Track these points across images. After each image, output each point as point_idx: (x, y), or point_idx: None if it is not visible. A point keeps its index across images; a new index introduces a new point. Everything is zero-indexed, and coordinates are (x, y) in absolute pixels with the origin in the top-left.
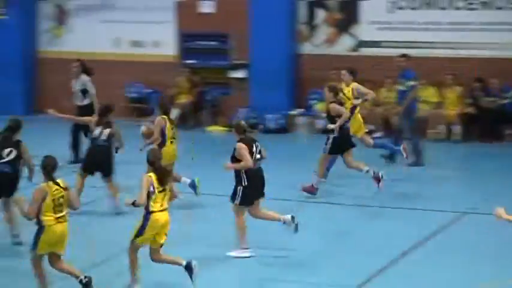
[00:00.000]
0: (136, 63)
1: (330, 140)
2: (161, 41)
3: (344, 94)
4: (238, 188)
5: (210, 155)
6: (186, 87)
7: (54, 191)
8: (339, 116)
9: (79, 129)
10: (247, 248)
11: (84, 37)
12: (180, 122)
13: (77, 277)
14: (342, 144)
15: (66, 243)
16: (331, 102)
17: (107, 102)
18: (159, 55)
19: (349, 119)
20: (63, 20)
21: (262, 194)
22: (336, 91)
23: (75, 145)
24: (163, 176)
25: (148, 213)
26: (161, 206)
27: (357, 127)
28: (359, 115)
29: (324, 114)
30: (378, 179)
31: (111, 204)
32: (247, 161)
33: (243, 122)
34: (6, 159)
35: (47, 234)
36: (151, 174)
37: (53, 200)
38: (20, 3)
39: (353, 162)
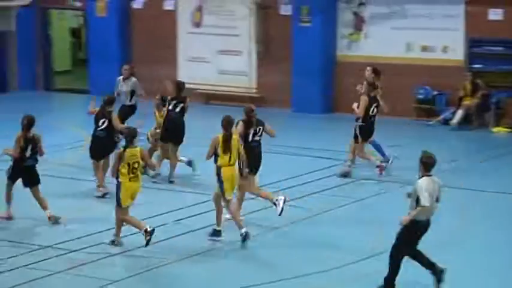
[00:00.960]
0: (425, 67)
1: (357, 129)
2: (450, 46)
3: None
4: None
5: (494, 156)
6: (469, 90)
7: (130, 156)
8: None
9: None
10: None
11: (378, 42)
12: (465, 122)
13: (140, 228)
14: (367, 131)
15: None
16: (362, 94)
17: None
18: (447, 60)
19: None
20: (360, 26)
21: (256, 170)
22: (373, 86)
23: None
24: (228, 139)
25: (218, 168)
26: (229, 162)
27: None
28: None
29: (356, 104)
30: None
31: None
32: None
33: (251, 108)
34: (102, 127)
35: (124, 190)
36: (219, 136)
37: (128, 163)
38: (322, 11)
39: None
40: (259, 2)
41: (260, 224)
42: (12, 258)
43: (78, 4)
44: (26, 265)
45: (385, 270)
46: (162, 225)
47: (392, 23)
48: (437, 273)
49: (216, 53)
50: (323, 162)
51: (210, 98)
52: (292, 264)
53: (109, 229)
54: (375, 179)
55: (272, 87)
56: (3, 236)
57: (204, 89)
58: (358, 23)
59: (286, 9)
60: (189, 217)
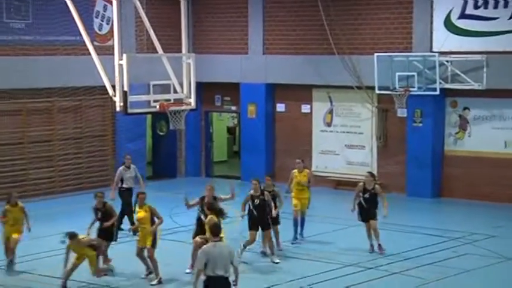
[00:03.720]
0: None
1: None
2: None
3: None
4: None
5: None
6: None
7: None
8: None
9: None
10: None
11: (480, 140)
12: None
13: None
14: None
15: None
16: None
17: None
18: None
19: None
20: (464, 126)
21: None
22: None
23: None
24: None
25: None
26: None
27: (303, 203)
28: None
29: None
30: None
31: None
32: None
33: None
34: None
35: None
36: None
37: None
38: (432, 114)
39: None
40: (380, 106)
41: None
42: None
43: (233, 108)
44: None
45: None
46: None
47: (492, 123)
48: None
49: (343, 147)
50: (434, 239)
51: (339, 184)
52: None
53: None
54: (479, 254)
55: (390, 175)
56: None
57: (333, 177)
58: (463, 124)
59: (402, 112)
60: None
